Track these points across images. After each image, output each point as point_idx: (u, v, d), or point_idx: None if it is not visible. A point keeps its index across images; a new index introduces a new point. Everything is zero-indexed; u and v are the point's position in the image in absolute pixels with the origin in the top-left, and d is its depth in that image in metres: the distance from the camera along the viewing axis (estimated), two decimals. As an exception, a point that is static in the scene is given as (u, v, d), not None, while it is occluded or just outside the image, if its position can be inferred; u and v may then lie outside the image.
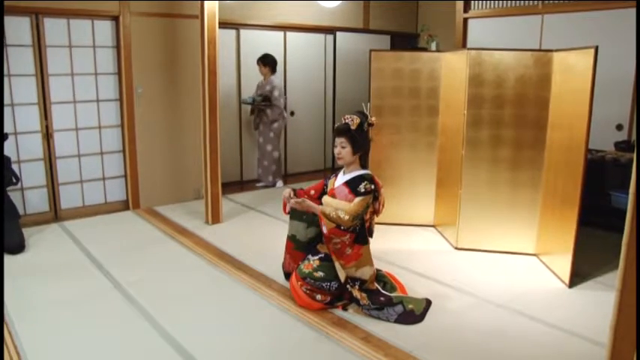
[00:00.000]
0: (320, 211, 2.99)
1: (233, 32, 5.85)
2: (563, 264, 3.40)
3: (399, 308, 2.91)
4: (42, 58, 4.46)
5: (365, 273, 3.02)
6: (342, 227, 2.94)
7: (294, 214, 3.22)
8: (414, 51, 5.82)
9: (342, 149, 3.06)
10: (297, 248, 3.22)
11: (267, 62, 5.78)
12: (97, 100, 4.84)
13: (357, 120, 3.05)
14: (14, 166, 4.28)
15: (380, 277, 3.23)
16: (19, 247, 3.86)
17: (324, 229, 2.96)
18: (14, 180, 4.06)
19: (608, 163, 4.42)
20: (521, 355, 2.57)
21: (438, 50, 6.30)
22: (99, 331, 2.75)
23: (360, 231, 3.02)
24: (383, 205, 3.18)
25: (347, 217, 2.92)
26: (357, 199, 2.97)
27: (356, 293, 2.96)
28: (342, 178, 3.15)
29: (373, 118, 3.22)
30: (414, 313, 2.91)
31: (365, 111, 3.22)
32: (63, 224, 4.59)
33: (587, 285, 3.39)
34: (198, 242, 4.16)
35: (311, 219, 3.16)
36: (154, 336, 2.71)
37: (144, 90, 4.96)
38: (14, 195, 4.34)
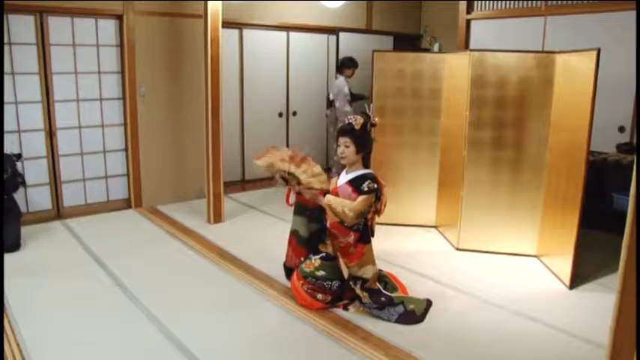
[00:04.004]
0: (326, 203, 2.98)
1: (236, 32, 5.86)
2: (564, 265, 3.40)
3: (399, 308, 2.92)
4: (46, 56, 4.48)
5: (367, 272, 3.03)
6: (345, 224, 2.95)
7: (298, 210, 3.22)
8: (417, 52, 5.83)
9: (346, 149, 3.07)
10: (300, 243, 3.22)
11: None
12: (101, 99, 4.86)
13: (360, 120, 3.07)
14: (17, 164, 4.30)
15: (381, 277, 3.24)
16: (13, 247, 3.85)
17: (328, 223, 2.96)
18: (19, 180, 4.04)
19: (609, 165, 4.42)
20: (522, 356, 2.58)
21: (440, 51, 6.31)
22: (100, 329, 2.77)
23: (364, 230, 3.04)
24: (385, 205, 3.18)
25: (351, 215, 2.93)
26: (361, 198, 2.98)
27: (358, 291, 2.97)
28: (344, 177, 3.16)
29: (376, 119, 3.23)
30: (414, 313, 2.92)
31: (368, 111, 3.23)
32: (65, 222, 4.60)
33: (587, 287, 3.39)
34: (199, 241, 4.17)
35: (314, 216, 3.17)
36: (155, 334, 2.72)
37: (147, 89, 4.97)
38: (16, 193, 4.37)
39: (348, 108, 5.66)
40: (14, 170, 4.00)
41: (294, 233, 3.25)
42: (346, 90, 5.67)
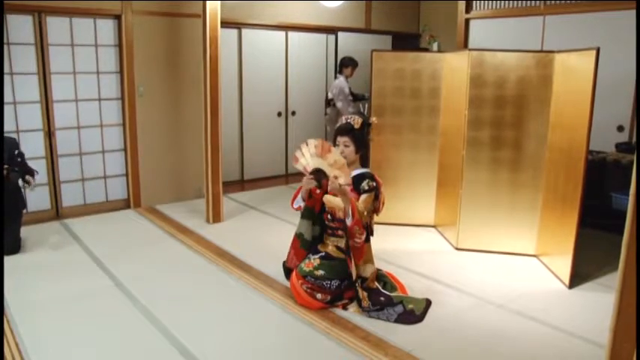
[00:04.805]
0: (353, 201, 2.94)
1: (235, 32, 5.86)
2: (564, 265, 3.40)
3: (399, 308, 2.91)
4: (44, 56, 4.47)
5: (367, 270, 3.03)
6: (363, 221, 2.95)
7: (305, 214, 3.20)
8: (416, 51, 5.83)
9: (346, 148, 3.08)
10: (302, 246, 3.22)
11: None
12: (99, 99, 4.85)
13: (359, 120, 3.08)
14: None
15: (380, 276, 3.24)
16: (13, 249, 3.81)
17: (349, 222, 2.91)
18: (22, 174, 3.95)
19: (608, 164, 4.42)
20: (521, 356, 2.58)
21: (439, 51, 6.31)
22: (100, 329, 2.76)
23: (366, 229, 3.04)
24: (383, 204, 3.19)
25: (365, 213, 2.95)
26: (364, 196, 2.99)
27: (359, 292, 2.97)
28: (343, 177, 3.15)
29: (374, 119, 3.23)
30: (414, 313, 2.91)
31: (362, 111, 3.24)
32: (64, 222, 4.60)
33: (587, 286, 3.39)
34: (198, 241, 4.17)
35: (317, 219, 3.18)
36: (154, 334, 2.72)
37: (146, 89, 4.97)
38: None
39: (351, 109, 5.64)
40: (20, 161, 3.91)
41: (298, 236, 3.23)
42: (347, 90, 5.65)
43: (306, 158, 2.99)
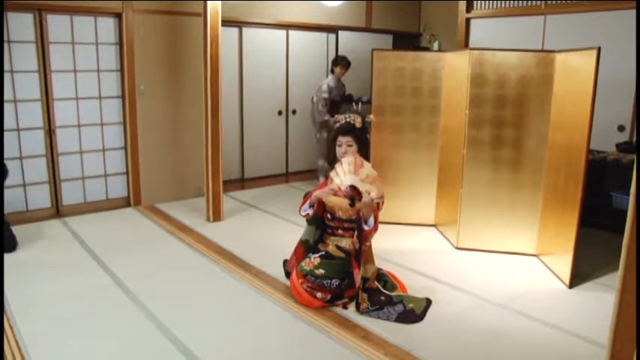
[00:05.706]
0: (375, 209, 2.94)
1: (235, 30, 5.85)
2: (564, 264, 3.40)
3: (399, 307, 2.91)
4: (45, 54, 4.47)
5: (368, 270, 3.03)
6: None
7: (312, 221, 3.20)
8: (417, 50, 5.82)
9: (349, 147, 3.07)
10: (305, 251, 3.22)
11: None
12: (100, 97, 4.85)
13: (359, 118, 3.08)
14: (15, 163, 4.27)
15: (381, 275, 3.24)
16: (9, 248, 3.78)
17: (367, 226, 2.90)
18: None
19: (609, 164, 4.42)
20: (521, 355, 2.58)
21: (440, 50, 6.31)
22: (100, 328, 2.76)
23: None
24: (383, 203, 3.19)
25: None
26: None
27: (360, 294, 2.96)
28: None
29: (371, 117, 3.24)
30: (414, 312, 2.92)
31: (357, 109, 3.24)
32: (64, 220, 4.60)
33: (587, 286, 3.39)
34: (199, 239, 4.17)
35: (320, 222, 3.18)
36: (154, 332, 2.72)
37: (146, 87, 4.97)
38: (16, 191, 4.36)
39: (320, 107, 5.54)
40: None
41: (304, 242, 3.23)
42: (324, 87, 5.58)
43: (341, 177, 2.95)
